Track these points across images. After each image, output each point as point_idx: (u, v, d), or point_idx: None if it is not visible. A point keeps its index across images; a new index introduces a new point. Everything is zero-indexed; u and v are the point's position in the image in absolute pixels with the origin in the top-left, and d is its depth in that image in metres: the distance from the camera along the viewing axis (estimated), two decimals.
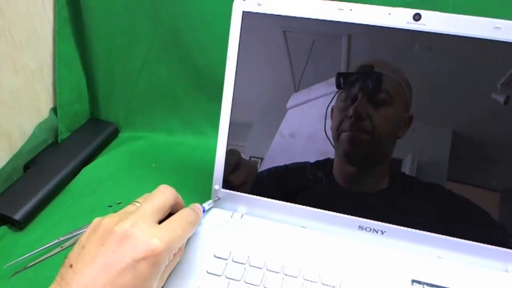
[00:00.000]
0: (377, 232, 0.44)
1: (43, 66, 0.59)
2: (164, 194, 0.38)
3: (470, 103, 0.41)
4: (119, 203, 0.53)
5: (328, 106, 0.43)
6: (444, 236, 0.42)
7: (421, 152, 0.42)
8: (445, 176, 0.42)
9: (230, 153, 0.47)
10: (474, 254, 0.42)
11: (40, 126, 0.58)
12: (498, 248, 0.41)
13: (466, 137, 0.41)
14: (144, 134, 0.66)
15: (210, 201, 0.46)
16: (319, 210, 0.45)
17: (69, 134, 0.63)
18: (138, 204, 0.38)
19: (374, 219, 0.44)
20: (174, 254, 0.37)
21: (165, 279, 0.38)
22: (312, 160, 0.45)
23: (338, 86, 0.43)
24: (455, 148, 0.41)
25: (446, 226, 0.42)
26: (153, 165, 0.60)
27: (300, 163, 0.45)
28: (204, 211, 0.44)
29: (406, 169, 0.42)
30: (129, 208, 0.38)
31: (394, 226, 0.43)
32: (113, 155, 0.62)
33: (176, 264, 0.40)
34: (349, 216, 0.44)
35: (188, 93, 0.64)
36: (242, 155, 0.47)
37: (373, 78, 0.41)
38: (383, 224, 0.44)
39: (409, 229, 0.43)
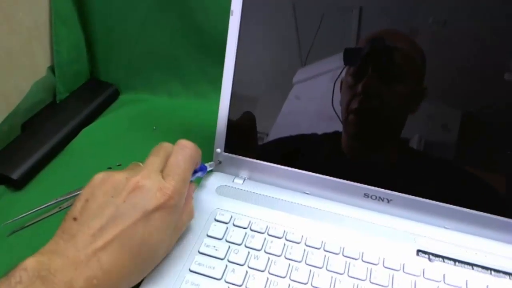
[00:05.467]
0: (383, 200, 0.43)
1: (39, 23, 0.56)
2: (184, 151, 0.37)
3: (482, 82, 0.39)
4: (118, 165, 0.51)
5: (336, 81, 0.41)
6: (451, 206, 0.41)
7: (431, 129, 0.40)
8: (454, 153, 0.40)
9: (233, 115, 0.45)
10: (481, 225, 0.40)
11: (37, 84, 0.56)
12: (507, 219, 0.40)
13: (476, 116, 0.39)
14: (144, 97, 0.64)
15: (211, 163, 0.45)
16: (323, 176, 0.44)
17: (67, 94, 0.61)
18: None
19: (380, 187, 0.42)
20: (184, 213, 0.36)
21: (175, 239, 0.37)
22: (319, 132, 0.43)
23: (348, 60, 0.40)
24: (465, 127, 0.39)
25: (453, 195, 0.41)
26: (154, 127, 0.58)
27: (307, 134, 0.43)
28: (206, 169, 0.43)
29: (415, 145, 0.41)
30: (135, 166, 0.36)
31: (401, 194, 0.42)
32: (113, 117, 0.60)
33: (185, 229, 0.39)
34: (354, 183, 0.43)
35: (190, 55, 0.62)
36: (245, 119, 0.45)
37: (384, 53, 0.39)
38: (389, 192, 0.42)
39: (416, 198, 0.42)
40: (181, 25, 0.60)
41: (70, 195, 0.46)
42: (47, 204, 0.45)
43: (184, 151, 0.37)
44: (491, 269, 0.38)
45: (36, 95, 0.56)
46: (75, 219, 0.31)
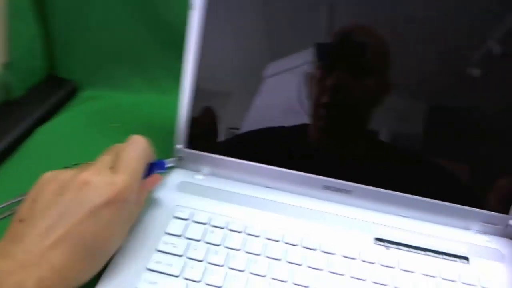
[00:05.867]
0: (342, 192, 0.43)
1: None
2: (136, 145, 0.37)
3: (447, 75, 0.40)
4: (75, 164, 0.50)
5: (304, 75, 0.42)
6: (408, 195, 0.42)
7: (392, 122, 0.41)
8: (412, 145, 0.41)
9: (194, 111, 0.45)
10: (436, 212, 0.42)
11: None
12: (460, 206, 0.41)
13: (441, 108, 0.40)
14: (105, 93, 0.63)
15: (172, 159, 0.44)
16: (283, 169, 0.44)
17: (23, 92, 0.59)
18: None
19: (340, 179, 0.43)
20: (134, 204, 0.36)
21: (126, 232, 0.36)
22: (285, 127, 0.43)
23: (320, 55, 0.41)
24: (426, 120, 0.40)
25: (410, 185, 0.42)
26: (115, 125, 0.57)
27: (274, 127, 0.44)
28: (164, 166, 0.42)
29: (376, 137, 0.42)
30: (86, 165, 0.36)
31: (360, 185, 0.43)
32: (71, 115, 0.59)
33: (137, 219, 0.38)
34: (314, 176, 0.43)
35: (153, 49, 0.61)
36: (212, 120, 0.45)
37: (353, 48, 0.40)
38: (349, 183, 0.43)
39: (374, 188, 0.42)
40: (143, 19, 0.59)
41: (23, 197, 0.45)
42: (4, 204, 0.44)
43: (134, 146, 0.37)
44: (443, 253, 0.39)
45: None
46: (22, 220, 0.31)
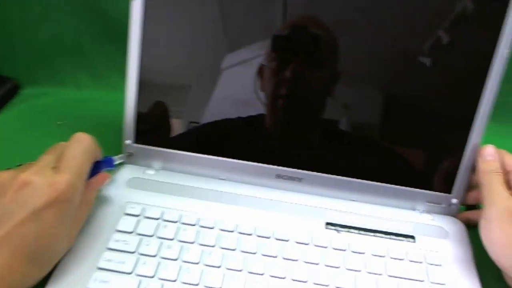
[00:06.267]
0: (294, 179, 0.44)
1: None
2: (80, 143, 0.35)
3: (399, 65, 0.41)
4: (19, 165, 0.48)
5: (257, 68, 0.42)
6: (356, 180, 0.43)
7: (345, 110, 0.42)
8: (360, 132, 0.42)
9: (142, 105, 0.44)
10: (384, 195, 0.43)
11: None
12: (405, 188, 0.43)
13: (390, 96, 0.42)
14: (49, 90, 0.60)
15: (121, 155, 0.43)
16: (236, 160, 0.44)
17: None
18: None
19: (291, 167, 0.44)
20: (82, 203, 0.35)
21: (76, 232, 0.35)
22: (245, 115, 0.43)
23: (271, 47, 0.41)
24: (378, 106, 0.42)
25: (359, 170, 0.43)
26: (60, 123, 0.55)
27: (228, 119, 0.43)
28: (112, 162, 0.41)
29: (331, 125, 0.42)
30: (28, 164, 0.34)
31: (310, 172, 0.43)
32: (12, 114, 0.56)
33: (86, 219, 0.37)
34: (266, 165, 0.44)
35: (98, 44, 0.59)
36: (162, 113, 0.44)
37: (307, 39, 0.40)
38: (300, 171, 0.44)
39: (324, 175, 0.43)
40: (86, 12, 0.57)
41: None
42: None
43: (79, 144, 0.35)
44: (390, 234, 0.40)
45: None
46: None
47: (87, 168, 0.35)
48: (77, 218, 0.35)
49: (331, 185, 0.44)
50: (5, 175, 0.32)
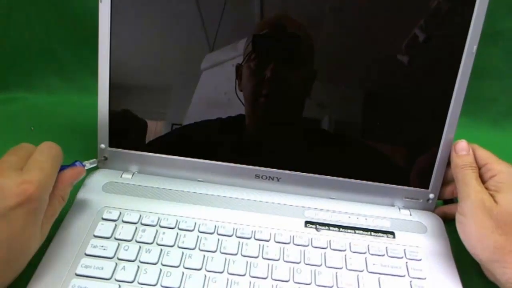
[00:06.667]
0: (272, 179, 0.44)
1: None
2: (49, 149, 0.35)
3: (378, 64, 0.41)
4: None
5: (237, 67, 0.41)
6: (334, 178, 0.43)
7: (322, 108, 0.42)
8: (336, 129, 0.42)
9: (116, 108, 0.43)
10: (362, 192, 0.44)
11: None
12: (383, 184, 0.43)
13: (366, 93, 0.42)
14: (20, 95, 0.59)
15: (93, 160, 0.42)
16: (214, 162, 0.44)
17: None
18: None
19: (269, 167, 0.44)
20: (52, 199, 0.34)
21: (48, 228, 0.34)
22: (224, 116, 0.43)
23: (251, 46, 0.41)
24: (354, 103, 0.42)
25: (336, 168, 0.43)
26: (32, 128, 0.53)
27: (210, 120, 0.43)
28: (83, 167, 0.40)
29: (307, 124, 0.43)
30: None
31: (288, 172, 0.44)
32: None
33: (59, 228, 0.37)
34: (244, 166, 0.44)
35: (68, 46, 0.58)
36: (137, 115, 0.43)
37: (285, 39, 0.40)
38: (278, 171, 0.44)
39: (303, 174, 0.43)
40: (54, 14, 0.55)
41: None
42: None
43: (47, 149, 0.35)
44: (370, 230, 0.41)
45: None
46: None
47: (55, 171, 0.35)
48: (49, 214, 0.34)
49: (310, 183, 0.44)
50: None
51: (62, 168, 0.37)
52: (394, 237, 0.41)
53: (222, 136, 0.44)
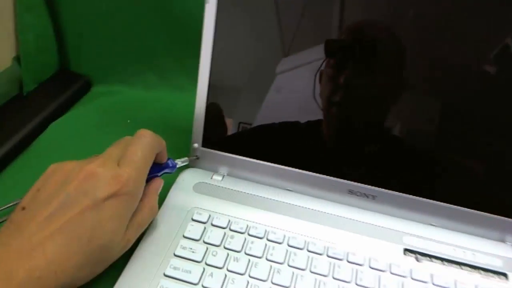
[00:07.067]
0: (368, 197, 0.41)
1: (3, 9, 0.52)
2: (142, 139, 0.35)
3: (462, 72, 0.37)
4: None
5: (317, 72, 0.39)
6: (438, 202, 0.39)
7: (416, 122, 0.39)
8: (441, 148, 0.38)
9: (211, 108, 0.42)
10: (468, 221, 0.39)
11: (0, 75, 0.52)
12: (494, 216, 0.39)
13: (457, 106, 0.38)
14: (118, 89, 0.61)
15: (185, 158, 0.42)
16: (306, 172, 0.42)
17: (36, 86, 0.58)
18: None
19: (365, 183, 0.41)
20: (142, 206, 0.34)
21: (133, 235, 0.34)
22: (302, 125, 0.41)
23: (329, 52, 0.38)
24: (451, 119, 0.38)
25: (439, 191, 0.39)
26: (128, 121, 0.55)
27: (290, 122, 0.41)
28: (175, 166, 0.40)
29: (400, 139, 0.39)
30: (94, 157, 0.35)
31: (386, 190, 0.40)
32: (84, 111, 0.57)
33: (149, 225, 0.37)
34: (338, 179, 0.41)
35: (166, 45, 0.59)
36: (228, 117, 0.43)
37: (365, 44, 0.38)
38: (375, 188, 0.40)
39: (401, 194, 0.40)
40: (156, 14, 0.57)
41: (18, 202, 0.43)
42: (7, 206, 0.41)
43: (141, 140, 0.35)
44: (480, 268, 0.36)
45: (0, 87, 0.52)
46: (23, 208, 0.30)
47: (147, 163, 0.35)
48: (137, 220, 0.34)
49: (409, 206, 0.40)
50: (72, 165, 0.32)
51: (157, 165, 0.38)
52: (507, 279, 0.36)
53: (314, 144, 0.41)
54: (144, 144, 0.35)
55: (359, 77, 0.38)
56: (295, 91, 0.41)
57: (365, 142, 0.41)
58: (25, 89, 0.56)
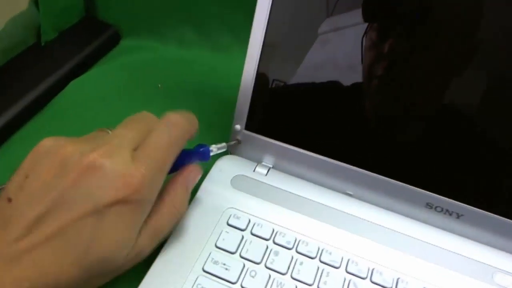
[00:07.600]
0: (451, 214, 0.32)
1: None
2: (170, 129, 0.27)
3: None
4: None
5: (363, 37, 0.30)
6: None
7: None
8: None
9: (263, 78, 0.33)
10: None
11: (14, 21, 0.45)
12: None
13: None
14: (150, 44, 0.53)
15: (223, 144, 0.33)
16: (373, 174, 0.33)
17: (56, 35, 0.50)
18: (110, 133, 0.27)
19: (449, 197, 0.32)
20: (160, 206, 0.27)
21: (149, 243, 0.27)
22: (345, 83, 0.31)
23: (368, 16, 0.29)
24: None
25: None
26: (159, 85, 0.47)
27: (330, 81, 0.32)
28: (208, 156, 0.32)
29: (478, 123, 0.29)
30: (102, 133, 0.27)
31: (475, 209, 0.31)
32: (110, 68, 0.49)
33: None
34: (414, 188, 0.32)
35: None
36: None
37: (414, 5, 0.28)
38: (462, 205, 0.31)
39: (496, 216, 0.31)
40: None
41: None
42: None
43: (169, 130, 0.27)
44: None
45: (13, 34, 0.45)
46: (9, 200, 0.24)
47: (170, 161, 0.27)
48: (154, 225, 0.27)
49: (504, 231, 0.31)
50: (70, 148, 0.25)
51: (186, 152, 0.30)
52: None
53: (381, 133, 0.32)
54: (171, 137, 0.27)
55: (409, 48, 0.29)
56: (337, 54, 0.31)
57: (451, 141, 0.31)
58: (43, 38, 0.49)
